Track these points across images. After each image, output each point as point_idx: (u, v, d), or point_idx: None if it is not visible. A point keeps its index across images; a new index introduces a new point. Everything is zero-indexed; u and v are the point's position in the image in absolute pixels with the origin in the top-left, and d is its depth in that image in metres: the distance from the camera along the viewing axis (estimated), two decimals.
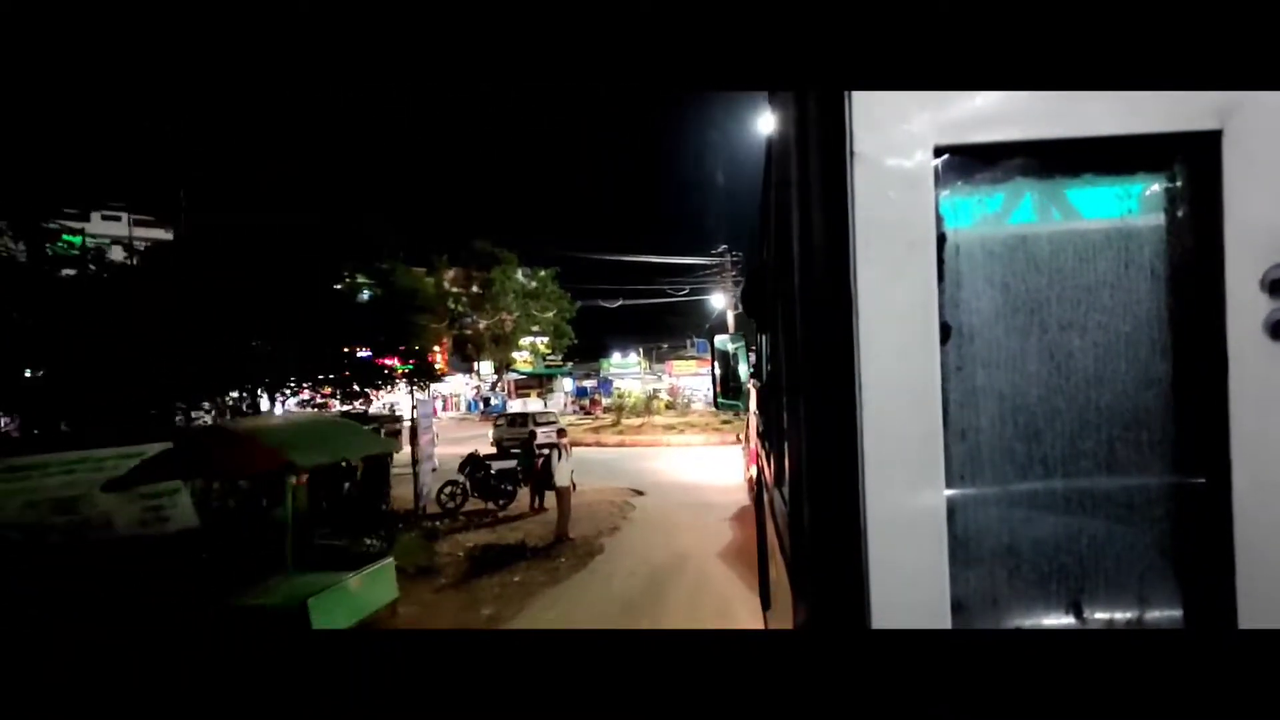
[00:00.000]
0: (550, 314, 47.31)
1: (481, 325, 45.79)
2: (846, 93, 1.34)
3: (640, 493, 16.18)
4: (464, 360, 48.77)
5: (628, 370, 54.13)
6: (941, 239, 1.37)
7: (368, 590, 7.11)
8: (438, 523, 12.96)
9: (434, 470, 16.84)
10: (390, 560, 7.70)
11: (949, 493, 1.37)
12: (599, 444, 26.30)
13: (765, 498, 3.06)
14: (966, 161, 1.37)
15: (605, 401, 38.04)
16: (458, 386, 50.26)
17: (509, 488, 14.33)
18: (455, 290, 45.52)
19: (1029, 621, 1.44)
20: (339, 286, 14.61)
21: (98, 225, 36.06)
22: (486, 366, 49.56)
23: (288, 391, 14.36)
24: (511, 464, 14.88)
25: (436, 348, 46.00)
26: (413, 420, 16.46)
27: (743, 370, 3.77)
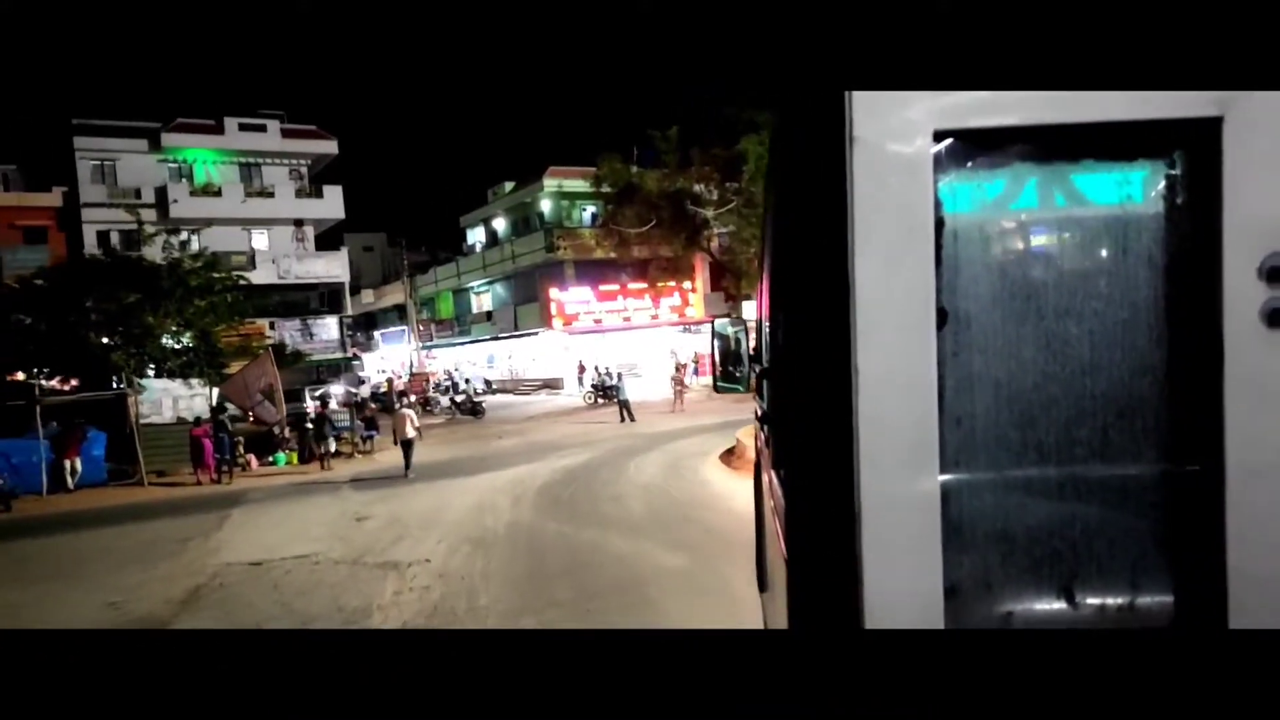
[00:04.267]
0: None
1: (742, 237, 24.86)
2: None
3: None
4: (726, 300, 29.51)
5: None
6: (940, 224, 1.36)
7: None
8: None
9: None
10: None
11: (943, 478, 1.37)
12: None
13: (764, 480, 3.08)
14: (966, 147, 1.37)
15: None
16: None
17: None
18: (685, 185, 25.98)
19: (1021, 607, 1.44)
20: None
21: (235, 138, 30.58)
22: (753, 308, 19.83)
23: None
24: None
25: (688, 283, 30.05)
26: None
27: (744, 353, 3.76)
